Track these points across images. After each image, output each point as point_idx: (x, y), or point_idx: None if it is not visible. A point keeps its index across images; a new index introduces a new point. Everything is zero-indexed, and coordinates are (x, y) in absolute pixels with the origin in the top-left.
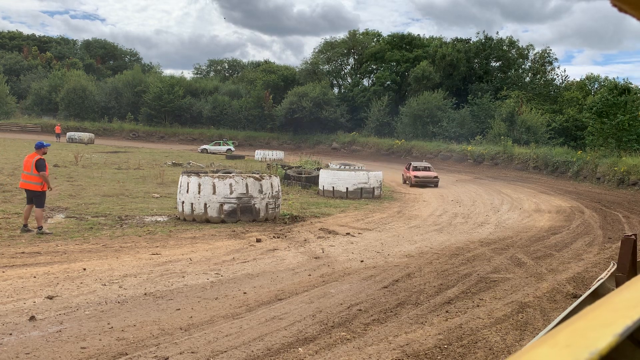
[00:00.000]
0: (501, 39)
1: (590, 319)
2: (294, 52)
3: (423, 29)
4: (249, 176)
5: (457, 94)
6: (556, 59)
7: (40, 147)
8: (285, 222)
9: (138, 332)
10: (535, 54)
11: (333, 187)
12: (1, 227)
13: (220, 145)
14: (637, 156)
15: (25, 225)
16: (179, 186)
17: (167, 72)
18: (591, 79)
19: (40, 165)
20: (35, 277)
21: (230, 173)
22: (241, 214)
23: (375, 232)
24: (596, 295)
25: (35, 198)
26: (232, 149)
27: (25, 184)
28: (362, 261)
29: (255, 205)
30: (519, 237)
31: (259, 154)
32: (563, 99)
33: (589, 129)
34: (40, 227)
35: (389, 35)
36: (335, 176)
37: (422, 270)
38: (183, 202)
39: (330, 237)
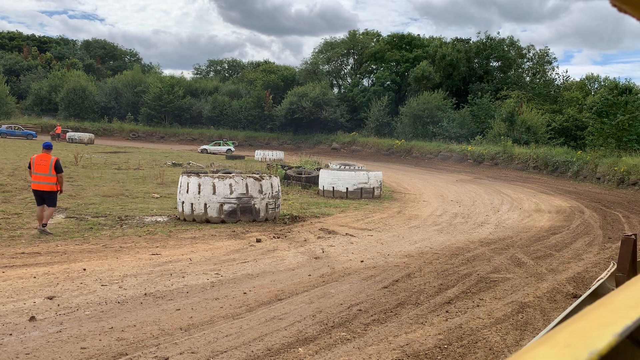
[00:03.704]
0: (502, 39)
1: (590, 319)
2: (292, 52)
3: (421, 29)
4: (249, 176)
5: (457, 94)
6: (555, 58)
7: (51, 147)
8: (285, 222)
9: (138, 333)
10: (534, 54)
11: (333, 187)
12: (1, 227)
13: (220, 145)
14: (637, 156)
15: (44, 225)
16: (179, 186)
17: (166, 72)
18: (591, 78)
19: (59, 167)
20: (35, 277)
21: (230, 173)
22: (241, 214)
23: (375, 232)
24: (596, 295)
25: (51, 198)
26: (232, 149)
27: (41, 186)
28: (362, 261)
29: (255, 206)
30: (519, 237)
31: (258, 154)
32: (563, 98)
33: (589, 129)
34: (44, 225)
35: (388, 35)
36: (335, 176)
37: (422, 270)
38: (183, 202)
39: (330, 237)
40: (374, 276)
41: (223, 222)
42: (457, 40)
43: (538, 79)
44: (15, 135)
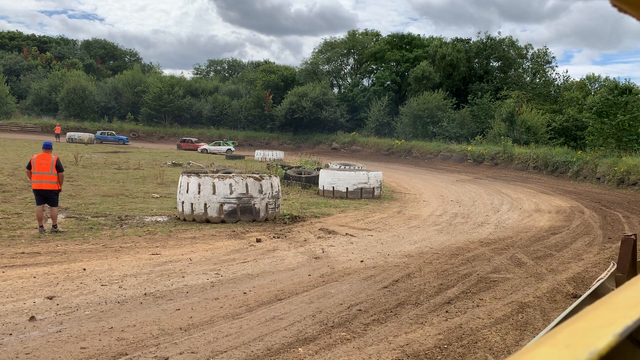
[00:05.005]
0: (502, 39)
1: (590, 319)
2: (292, 52)
3: (421, 29)
4: (249, 176)
5: (457, 94)
6: (554, 57)
7: (51, 147)
8: (285, 222)
9: (138, 332)
10: (532, 54)
11: (333, 187)
12: (1, 227)
13: (220, 145)
14: (637, 156)
15: (41, 227)
16: (178, 186)
17: (166, 72)
18: (591, 79)
19: (60, 165)
20: (35, 277)
21: (230, 173)
22: (241, 214)
23: (375, 232)
24: (596, 295)
25: (53, 197)
26: (232, 149)
27: (43, 185)
28: (362, 261)
29: (255, 206)
30: (519, 237)
31: (258, 154)
32: (563, 98)
33: (589, 129)
34: (55, 226)
35: (388, 35)
36: (335, 176)
37: (422, 270)
38: (183, 202)
39: (330, 237)
40: (374, 276)
41: (223, 222)
42: (457, 40)
43: (538, 79)
44: (108, 140)
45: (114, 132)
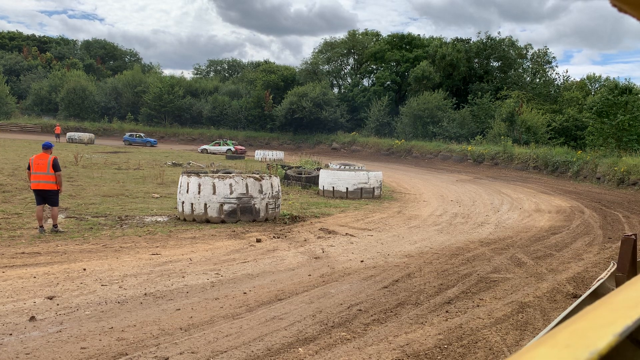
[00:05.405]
0: (502, 39)
1: (590, 319)
2: (292, 52)
3: (421, 29)
4: (249, 176)
5: (457, 94)
6: (554, 57)
7: (50, 147)
8: (285, 222)
9: (138, 332)
10: (532, 54)
11: (333, 187)
12: (1, 227)
13: (220, 145)
14: (637, 156)
15: (41, 227)
16: (179, 186)
17: (166, 72)
18: (592, 79)
19: (57, 165)
20: (35, 277)
21: (230, 173)
22: (241, 214)
23: (375, 232)
24: (596, 295)
25: (52, 197)
26: (232, 149)
27: (41, 185)
28: (362, 261)
29: (255, 206)
30: (519, 237)
31: (258, 154)
32: (563, 98)
33: (589, 129)
34: (55, 226)
35: (388, 35)
36: (335, 176)
37: (422, 270)
38: (183, 202)
39: (330, 237)
40: (374, 276)
41: (223, 222)
42: (457, 40)
43: (538, 79)
44: (137, 142)
45: (142, 135)
